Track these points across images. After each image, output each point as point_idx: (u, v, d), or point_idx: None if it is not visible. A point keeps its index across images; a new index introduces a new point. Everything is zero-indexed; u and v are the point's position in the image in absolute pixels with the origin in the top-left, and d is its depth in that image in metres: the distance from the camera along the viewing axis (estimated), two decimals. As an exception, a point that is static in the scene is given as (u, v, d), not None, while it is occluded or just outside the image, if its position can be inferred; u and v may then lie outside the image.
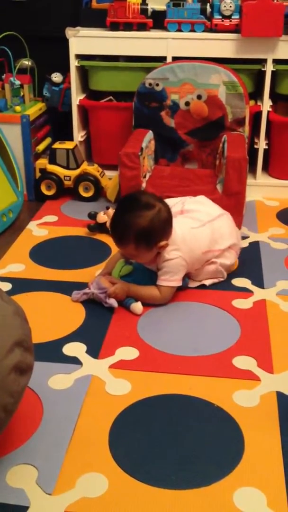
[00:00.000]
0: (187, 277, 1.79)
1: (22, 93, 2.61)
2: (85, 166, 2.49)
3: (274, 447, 1.20)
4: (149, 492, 1.09)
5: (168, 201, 1.77)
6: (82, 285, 1.79)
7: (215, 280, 1.82)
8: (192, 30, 2.38)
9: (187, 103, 2.37)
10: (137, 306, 1.66)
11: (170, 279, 1.70)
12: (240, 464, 1.15)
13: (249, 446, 1.20)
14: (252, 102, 2.50)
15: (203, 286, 1.80)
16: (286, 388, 1.36)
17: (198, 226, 1.77)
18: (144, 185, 2.23)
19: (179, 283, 1.72)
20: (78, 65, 2.49)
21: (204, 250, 1.76)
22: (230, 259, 1.83)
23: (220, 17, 2.36)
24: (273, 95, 2.49)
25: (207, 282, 1.81)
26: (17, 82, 2.57)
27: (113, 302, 1.66)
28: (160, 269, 1.71)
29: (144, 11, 2.41)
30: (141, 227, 1.61)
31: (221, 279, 1.83)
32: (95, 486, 1.10)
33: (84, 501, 1.07)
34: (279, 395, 1.34)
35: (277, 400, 1.33)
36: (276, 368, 1.44)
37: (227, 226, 1.84)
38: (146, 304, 1.69)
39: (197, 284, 1.81)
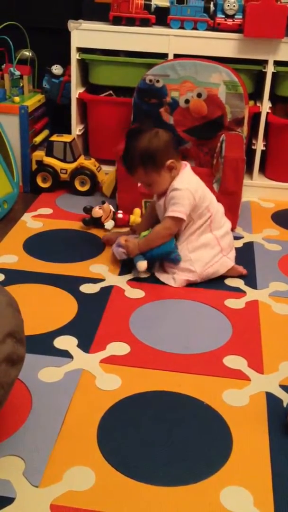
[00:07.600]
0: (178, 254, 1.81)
1: (21, 84, 2.60)
2: (82, 160, 2.48)
3: (262, 447, 1.20)
4: (136, 488, 1.09)
5: None
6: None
7: (190, 278, 1.80)
8: (195, 28, 2.38)
9: (186, 101, 2.37)
10: (142, 264, 1.79)
11: (175, 210, 1.77)
12: (227, 463, 1.16)
13: (237, 445, 1.20)
14: (251, 103, 2.50)
15: (195, 285, 1.80)
16: (275, 389, 1.37)
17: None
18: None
19: (184, 216, 1.77)
20: (79, 58, 2.48)
21: (207, 203, 1.82)
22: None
23: (223, 16, 2.36)
24: (273, 97, 2.49)
25: (181, 283, 1.80)
26: (17, 73, 2.55)
27: (120, 253, 1.85)
28: (168, 202, 1.79)
29: (147, 7, 2.40)
30: (141, 148, 1.75)
31: (191, 279, 1.81)
32: (82, 479, 1.10)
33: (70, 494, 1.07)
34: (269, 395, 1.35)
35: (266, 400, 1.33)
36: (266, 369, 1.44)
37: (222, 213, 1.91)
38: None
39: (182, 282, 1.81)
